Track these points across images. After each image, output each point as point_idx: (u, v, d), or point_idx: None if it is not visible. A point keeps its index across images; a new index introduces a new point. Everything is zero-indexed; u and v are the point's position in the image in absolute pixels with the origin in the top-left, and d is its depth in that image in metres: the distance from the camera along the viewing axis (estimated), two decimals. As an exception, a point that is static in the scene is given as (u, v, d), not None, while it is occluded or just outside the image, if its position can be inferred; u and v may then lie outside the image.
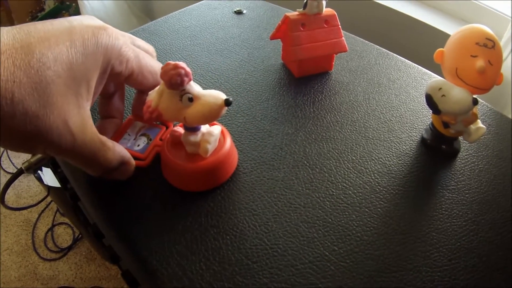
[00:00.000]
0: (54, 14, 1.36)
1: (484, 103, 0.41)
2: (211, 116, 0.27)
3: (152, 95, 0.28)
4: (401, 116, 0.38)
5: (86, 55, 0.24)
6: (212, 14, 0.55)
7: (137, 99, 0.33)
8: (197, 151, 0.29)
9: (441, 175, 0.33)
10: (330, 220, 0.28)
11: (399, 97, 0.41)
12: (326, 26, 0.40)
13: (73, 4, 1.34)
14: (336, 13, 0.41)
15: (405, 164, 0.33)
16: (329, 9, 0.41)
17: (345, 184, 0.31)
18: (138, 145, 0.31)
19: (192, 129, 0.29)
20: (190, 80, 0.26)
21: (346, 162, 0.33)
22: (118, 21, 1.29)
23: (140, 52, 0.28)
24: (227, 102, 0.27)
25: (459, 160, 0.35)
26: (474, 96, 0.31)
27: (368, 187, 0.31)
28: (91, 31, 0.25)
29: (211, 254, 0.26)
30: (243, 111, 0.38)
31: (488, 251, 0.27)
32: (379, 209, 0.29)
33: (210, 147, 0.29)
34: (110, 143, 0.27)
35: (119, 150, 0.28)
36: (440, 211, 0.30)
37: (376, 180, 0.32)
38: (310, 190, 0.30)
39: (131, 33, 0.46)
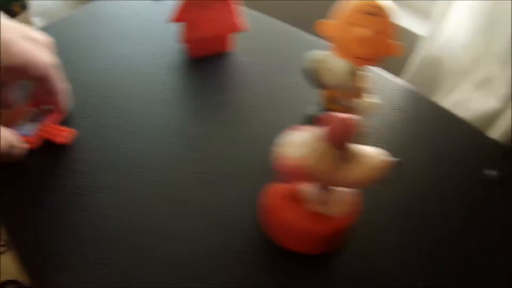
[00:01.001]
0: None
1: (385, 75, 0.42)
2: (372, 181, 0.23)
3: (292, 149, 0.23)
4: (295, 95, 0.39)
5: None
6: (131, 2, 0.53)
7: (35, 87, 0.33)
8: (325, 210, 0.26)
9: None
10: (186, 197, 0.29)
11: (297, 76, 0.41)
12: (223, 6, 0.39)
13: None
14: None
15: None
16: (226, -12, 0.40)
17: (214, 162, 0.32)
18: (29, 130, 0.32)
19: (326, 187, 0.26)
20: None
21: (219, 140, 0.34)
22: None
23: (29, 46, 0.29)
24: (392, 164, 0.23)
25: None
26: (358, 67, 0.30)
27: (239, 164, 0.32)
28: None
29: (71, 231, 0.27)
30: (138, 93, 0.38)
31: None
32: (242, 187, 0.30)
33: (347, 210, 0.26)
34: None
35: (5, 134, 0.28)
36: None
37: (250, 158, 0.32)
38: (170, 169, 0.31)
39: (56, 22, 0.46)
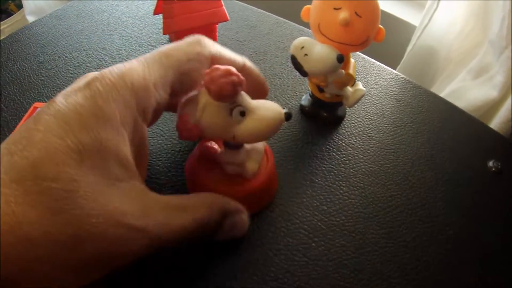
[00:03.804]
0: None
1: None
2: (268, 134, 0.23)
3: (188, 107, 0.22)
4: (282, 84, 0.37)
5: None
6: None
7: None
8: (239, 171, 0.25)
9: (320, 144, 0.32)
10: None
11: (284, 65, 0.40)
12: (202, -4, 0.38)
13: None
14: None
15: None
16: (206, -21, 0.39)
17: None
18: None
19: (235, 146, 0.25)
20: (242, 89, 0.22)
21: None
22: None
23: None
24: (288, 117, 0.23)
25: (346, 128, 0.34)
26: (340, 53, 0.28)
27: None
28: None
29: None
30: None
31: (364, 227, 0.27)
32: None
33: (257, 167, 0.25)
34: (185, 199, 0.21)
35: (210, 200, 0.22)
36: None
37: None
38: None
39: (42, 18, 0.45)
